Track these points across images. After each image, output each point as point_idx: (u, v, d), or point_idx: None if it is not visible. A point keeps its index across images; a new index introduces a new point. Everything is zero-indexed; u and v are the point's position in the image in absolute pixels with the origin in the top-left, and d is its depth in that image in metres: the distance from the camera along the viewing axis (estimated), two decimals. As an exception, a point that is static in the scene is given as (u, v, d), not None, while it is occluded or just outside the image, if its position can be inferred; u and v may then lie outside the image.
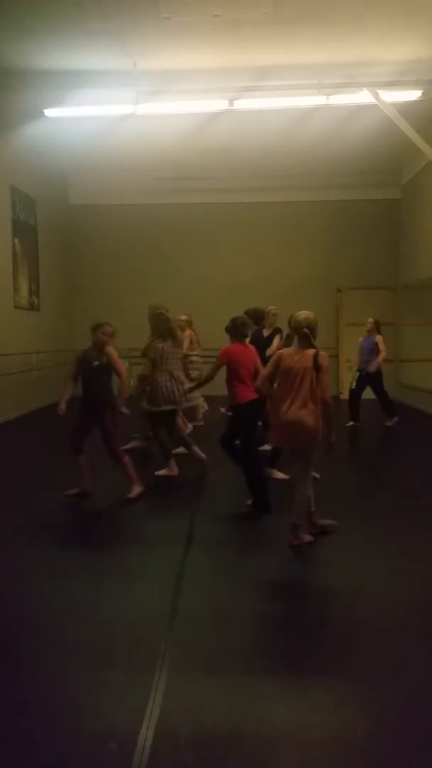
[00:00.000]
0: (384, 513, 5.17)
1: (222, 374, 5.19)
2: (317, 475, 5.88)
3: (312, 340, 4.25)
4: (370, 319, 9.36)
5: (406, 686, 2.65)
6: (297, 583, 3.73)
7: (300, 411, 4.17)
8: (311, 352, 4.20)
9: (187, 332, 8.69)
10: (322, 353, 4.20)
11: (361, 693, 2.60)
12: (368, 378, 9.12)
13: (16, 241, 10.70)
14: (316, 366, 4.14)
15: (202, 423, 9.10)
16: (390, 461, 7.59)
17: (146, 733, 2.30)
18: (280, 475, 6.00)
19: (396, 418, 9.44)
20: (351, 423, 9.30)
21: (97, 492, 5.73)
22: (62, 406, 5.32)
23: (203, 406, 9.47)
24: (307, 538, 4.40)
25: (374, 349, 9.08)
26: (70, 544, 4.35)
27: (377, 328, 9.24)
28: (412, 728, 2.40)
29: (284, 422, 4.26)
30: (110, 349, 5.34)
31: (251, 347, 5.31)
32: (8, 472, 6.66)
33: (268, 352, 6.98)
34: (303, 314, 4.37)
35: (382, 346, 9.05)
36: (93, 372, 5.31)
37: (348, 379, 13.26)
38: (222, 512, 5.14)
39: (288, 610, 3.40)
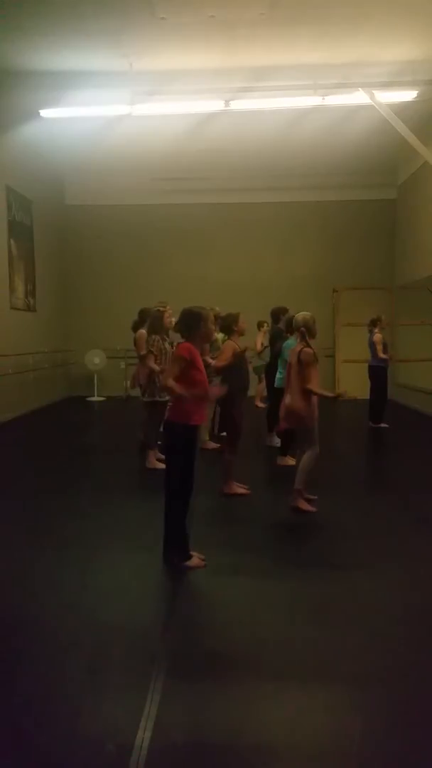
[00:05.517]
0: (382, 513, 5.17)
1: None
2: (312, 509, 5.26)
3: (306, 337, 5.01)
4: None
5: (405, 687, 2.65)
6: (295, 584, 3.72)
7: (292, 398, 4.99)
8: (298, 348, 4.99)
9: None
10: (306, 350, 4.92)
11: (360, 694, 2.60)
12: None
13: (12, 242, 10.68)
14: (298, 361, 4.92)
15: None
16: (387, 461, 7.60)
17: (143, 735, 2.29)
18: (290, 462, 6.27)
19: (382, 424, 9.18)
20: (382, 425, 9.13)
21: (93, 492, 5.73)
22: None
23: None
24: (307, 506, 4.97)
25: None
26: (66, 546, 4.34)
27: (373, 324, 9.12)
28: (411, 729, 2.39)
29: (284, 406, 5.12)
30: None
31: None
32: (4, 474, 6.63)
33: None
34: (300, 314, 5.16)
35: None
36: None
37: (345, 379, 13.36)
38: (219, 513, 5.14)
39: (285, 610, 3.40)
